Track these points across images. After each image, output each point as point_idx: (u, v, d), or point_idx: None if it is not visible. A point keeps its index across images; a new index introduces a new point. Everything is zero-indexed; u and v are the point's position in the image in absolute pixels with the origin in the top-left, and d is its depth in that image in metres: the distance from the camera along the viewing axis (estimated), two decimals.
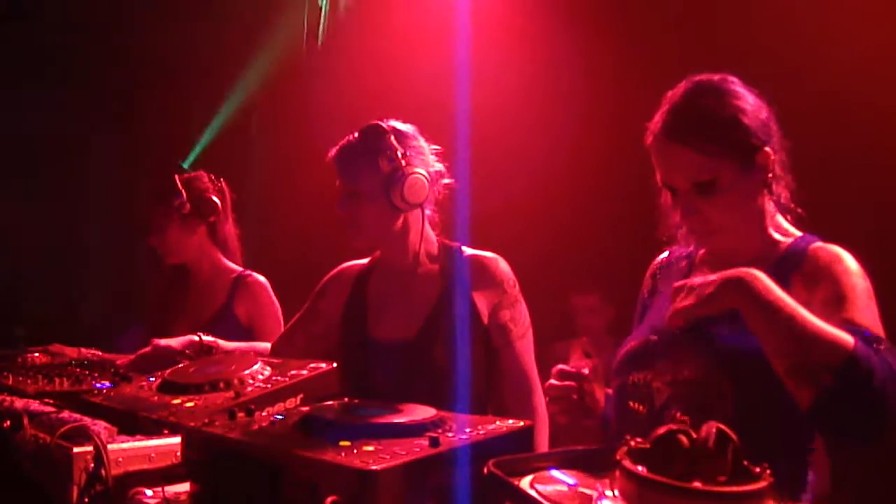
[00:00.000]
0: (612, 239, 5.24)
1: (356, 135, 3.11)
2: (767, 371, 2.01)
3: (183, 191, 4.15)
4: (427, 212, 3.13)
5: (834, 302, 2.12)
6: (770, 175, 2.29)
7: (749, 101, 2.28)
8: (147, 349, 3.39)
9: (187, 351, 3.34)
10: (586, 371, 2.34)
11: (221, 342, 3.43)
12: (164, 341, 3.39)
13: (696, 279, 2.11)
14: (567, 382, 2.34)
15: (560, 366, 2.36)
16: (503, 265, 3.10)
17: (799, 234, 2.35)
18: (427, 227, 3.14)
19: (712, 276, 2.07)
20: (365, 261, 3.31)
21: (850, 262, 2.21)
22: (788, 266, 2.25)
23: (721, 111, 2.24)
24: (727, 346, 2.14)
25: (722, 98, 2.26)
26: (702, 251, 2.48)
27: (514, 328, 3.07)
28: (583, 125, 5.37)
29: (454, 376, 2.77)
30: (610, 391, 2.40)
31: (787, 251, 2.30)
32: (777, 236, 2.34)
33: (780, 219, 2.36)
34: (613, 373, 2.42)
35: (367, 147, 3.06)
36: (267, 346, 3.48)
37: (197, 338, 3.41)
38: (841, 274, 2.18)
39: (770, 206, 2.34)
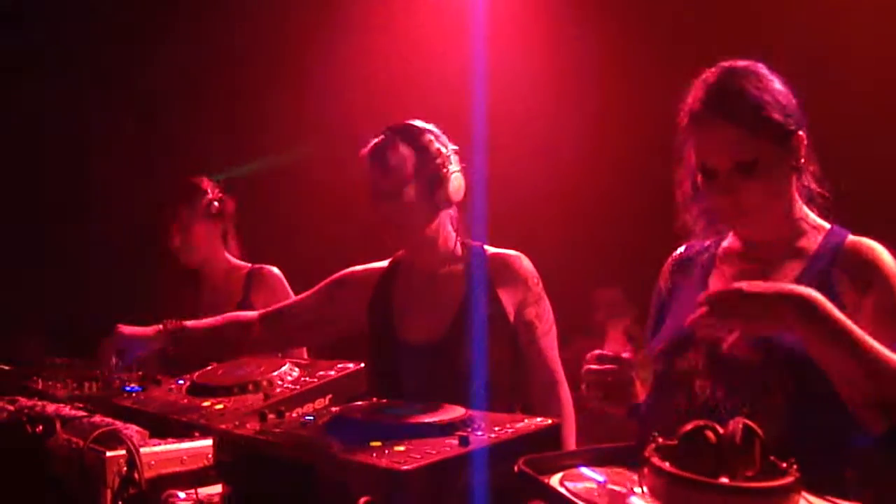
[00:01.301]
0: (631, 235, 5.23)
1: (392, 133, 3.08)
2: (812, 368, 2.00)
3: (209, 191, 4.20)
4: (450, 212, 3.14)
5: (892, 312, 2.12)
6: (802, 161, 2.28)
7: (782, 86, 2.28)
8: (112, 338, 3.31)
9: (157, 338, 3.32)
10: (626, 356, 2.24)
11: (189, 322, 3.39)
12: (128, 329, 3.33)
13: (739, 286, 2.00)
14: (606, 366, 2.23)
15: (598, 350, 2.28)
16: (526, 262, 3.11)
17: (826, 224, 2.33)
18: (450, 227, 3.15)
19: (758, 288, 1.99)
20: (384, 263, 3.31)
21: (890, 260, 2.20)
22: (827, 261, 2.23)
23: (760, 92, 2.23)
24: (772, 340, 2.12)
25: (760, 80, 2.25)
26: (723, 246, 2.45)
27: (539, 325, 3.08)
28: (600, 122, 5.37)
29: (482, 376, 2.78)
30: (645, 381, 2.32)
31: (823, 244, 2.28)
32: (805, 226, 2.32)
33: (806, 209, 2.34)
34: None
35: (410, 146, 3.04)
36: (248, 314, 3.46)
37: (162, 326, 3.36)
38: (891, 277, 2.17)
39: (797, 194, 2.32)
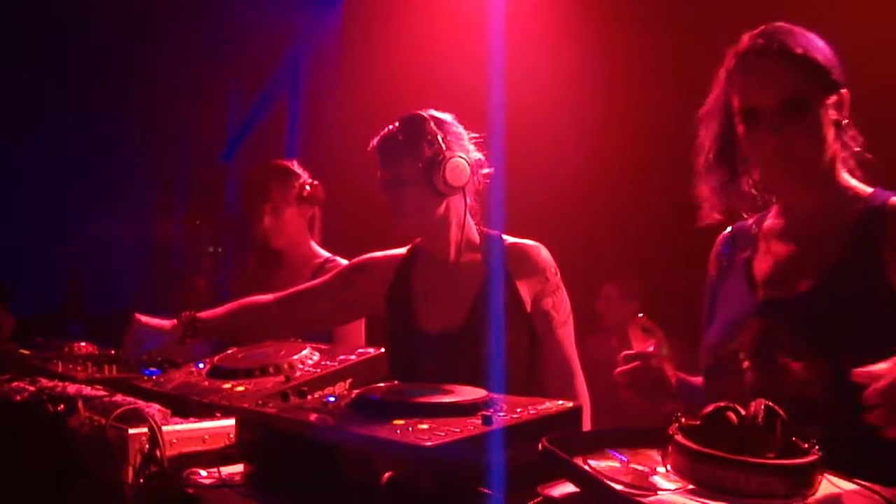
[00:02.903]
0: (648, 229, 5.24)
1: (396, 124, 3.13)
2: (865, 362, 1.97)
3: (301, 175, 4.23)
4: (467, 200, 3.15)
5: None
6: (845, 121, 2.25)
7: (826, 47, 2.27)
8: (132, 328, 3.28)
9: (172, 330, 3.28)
10: (651, 350, 2.25)
11: (203, 313, 3.36)
12: (146, 318, 3.30)
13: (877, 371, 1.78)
14: (634, 364, 2.24)
15: (624, 352, 2.27)
16: (545, 253, 3.12)
17: (868, 189, 2.28)
18: (468, 216, 3.16)
19: None
20: (403, 250, 3.33)
21: None
22: (873, 230, 2.18)
23: (808, 40, 2.23)
24: (827, 335, 2.10)
25: (805, 34, 2.25)
26: (765, 225, 2.40)
27: (556, 315, 3.09)
28: (616, 118, 5.37)
29: (499, 365, 2.79)
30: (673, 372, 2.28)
31: (866, 210, 2.23)
32: (846, 191, 2.27)
33: (847, 175, 2.29)
34: (703, 358, 2.36)
35: (408, 133, 3.08)
36: (263, 298, 3.44)
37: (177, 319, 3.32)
38: None
39: (839, 155, 2.27)
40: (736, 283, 2.32)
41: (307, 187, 4.22)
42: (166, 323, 3.29)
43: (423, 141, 3.06)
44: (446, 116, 3.15)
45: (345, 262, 4.08)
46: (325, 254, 4.27)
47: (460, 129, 3.14)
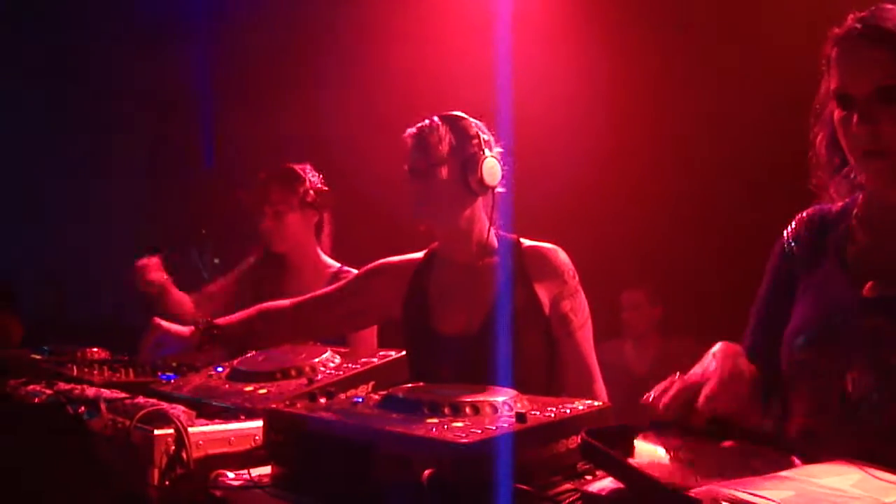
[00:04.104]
0: (660, 237, 5.23)
1: (437, 118, 3.15)
2: None
3: (308, 178, 4.19)
4: (494, 202, 3.16)
5: None
6: None
7: None
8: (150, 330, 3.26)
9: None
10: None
11: (220, 319, 3.33)
12: (165, 323, 3.28)
13: None
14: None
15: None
16: (563, 255, 3.12)
17: None
18: (487, 219, 3.17)
19: None
20: (419, 255, 3.33)
21: None
22: None
23: None
24: None
25: None
26: (859, 212, 2.27)
27: (574, 318, 3.08)
28: (630, 120, 5.35)
29: (518, 368, 2.78)
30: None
31: None
32: None
33: None
34: (789, 357, 2.19)
35: (450, 127, 3.12)
36: (279, 304, 3.42)
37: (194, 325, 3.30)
38: None
39: None
40: (831, 278, 2.20)
41: (311, 192, 4.18)
42: (185, 329, 3.27)
43: (465, 136, 3.10)
44: (475, 120, 3.18)
45: (352, 270, 4.09)
46: (335, 263, 4.25)
47: (486, 130, 3.17)
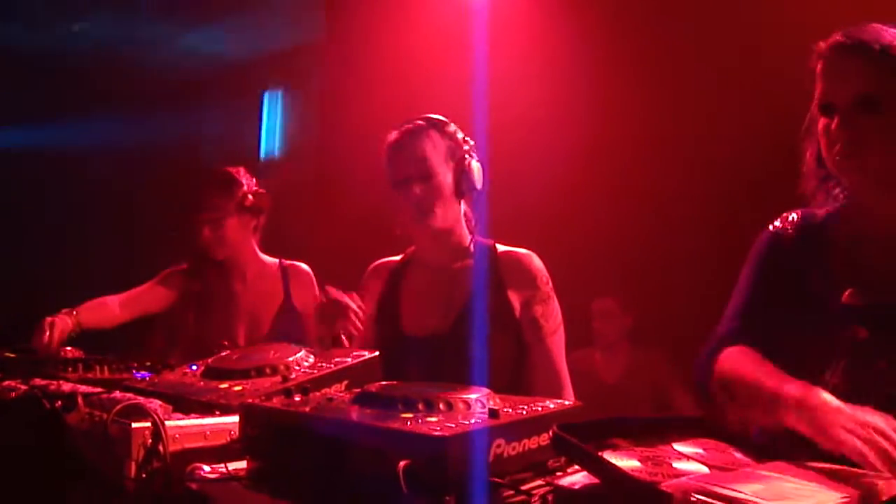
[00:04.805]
0: (632, 245, 5.25)
1: (421, 121, 3.16)
2: None
3: (245, 183, 4.12)
4: (476, 206, 3.20)
5: None
6: None
7: None
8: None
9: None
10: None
11: None
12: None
13: None
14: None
15: None
16: (537, 261, 3.15)
17: None
18: (464, 223, 3.20)
19: None
20: (398, 258, 3.36)
21: None
22: None
23: (891, 38, 2.17)
24: None
25: (890, 32, 2.18)
26: (841, 222, 2.31)
27: (545, 324, 3.11)
28: (607, 126, 5.36)
29: (486, 371, 2.80)
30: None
31: None
32: None
33: None
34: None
35: (439, 132, 3.15)
36: None
37: None
38: None
39: None
40: (808, 280, 2.24)
41: (250, 196, 4.11)
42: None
43: (454, 142, 3.14)
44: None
45: (302, 265, 4.11)
46: (272, 258, 4.23)
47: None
